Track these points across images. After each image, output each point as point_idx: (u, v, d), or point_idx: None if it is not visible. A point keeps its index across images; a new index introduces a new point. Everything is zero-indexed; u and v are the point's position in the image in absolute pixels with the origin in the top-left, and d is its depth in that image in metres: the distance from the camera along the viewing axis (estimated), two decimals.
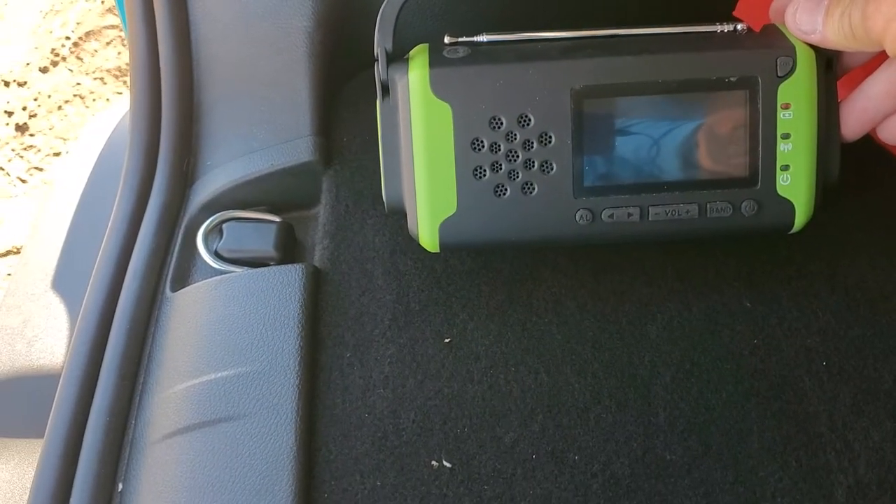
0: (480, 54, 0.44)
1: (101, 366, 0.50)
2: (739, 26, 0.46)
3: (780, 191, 0.44)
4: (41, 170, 1.48)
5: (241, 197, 0.54)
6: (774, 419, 0.44)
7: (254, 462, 0.43)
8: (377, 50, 0.44)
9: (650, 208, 0.44)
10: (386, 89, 0.45)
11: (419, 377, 0.46)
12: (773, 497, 0.42)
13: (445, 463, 0.43)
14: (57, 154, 1.49)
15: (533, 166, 0.44)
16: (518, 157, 0.44)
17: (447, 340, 0.47)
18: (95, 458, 0.46)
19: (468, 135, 0.44)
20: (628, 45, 0.44)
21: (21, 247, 1.35)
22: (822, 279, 0.49)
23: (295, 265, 0.49)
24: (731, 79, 0.43)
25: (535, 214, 0.45)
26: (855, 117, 0.45)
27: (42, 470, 0.46)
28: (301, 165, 0.54)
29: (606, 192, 0.44)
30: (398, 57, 0.45)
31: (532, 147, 0.44)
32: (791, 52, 0.43)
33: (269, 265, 0.51)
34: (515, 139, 0.44)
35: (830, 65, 0.45)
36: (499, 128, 0.44)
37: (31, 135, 1.52)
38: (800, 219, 0.45)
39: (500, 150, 0.44)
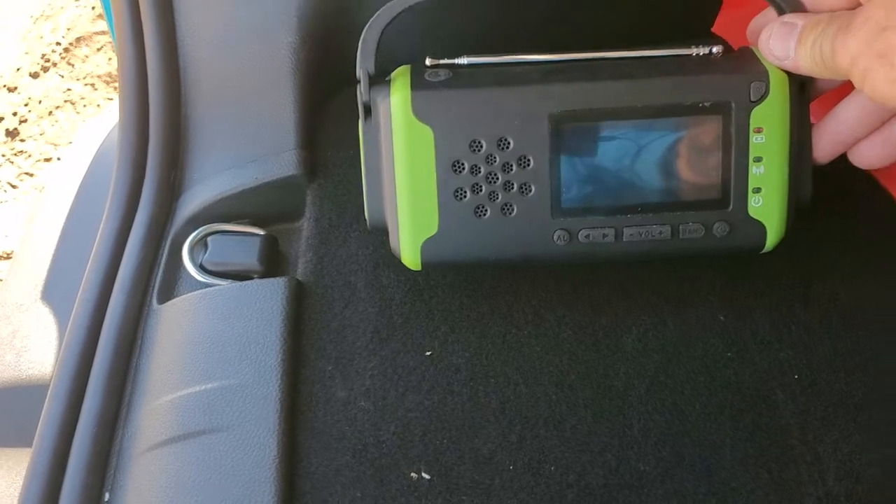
0: (461, 77, 0.45)
1: (88, 377, 0.50)
2: (714, 49, 0.46)
3: (751, 212, 0.45)
4: (32, 175, 1.48)
5: (226, 210, 0.55)
6: (747, 431, 0.45)
7: (236, 473, 0.44)
8: (359, 72, 0.45)
9: (625, 229, 0.45)
10: (368, 111, 0.45)
11: (400, 389, 0.46)
12: None
13: (424, 474, 0.44)
14: (48, 160, 1.49)
15: (512, 188, 0.45)
16: (498, 179, 0.45)
17: (428, 353, 0.48)
18: (83, 468, 0.47)
19: (449, 157, 0.44)
20: (605, 69, 0.45)
21: (11, 252, 1.35)
22: (796, 293, 0.49)
23: (278, 279, 0.50)
24: (706, 104, 0.44)
25: (514, 235, 0.45)
26: (827, 140, 0.46)
27: (30, 479, 0.47)
28: (285, 179, 0.54)
29: (583, 213, 0.45)
30: (381, 75, 0.46)
31: (511, 169, 0.45)
32: (764, 77, 0.44)
33: (252, 278, 0.52)
34: (495, 162, 0.44)
35: (804, 88, 0.45)
36: (479, 150, 0.44)
37: (22, 140, 1.52)
38: (771, 239, 0.46)
39: (480, 172, 0.45)
